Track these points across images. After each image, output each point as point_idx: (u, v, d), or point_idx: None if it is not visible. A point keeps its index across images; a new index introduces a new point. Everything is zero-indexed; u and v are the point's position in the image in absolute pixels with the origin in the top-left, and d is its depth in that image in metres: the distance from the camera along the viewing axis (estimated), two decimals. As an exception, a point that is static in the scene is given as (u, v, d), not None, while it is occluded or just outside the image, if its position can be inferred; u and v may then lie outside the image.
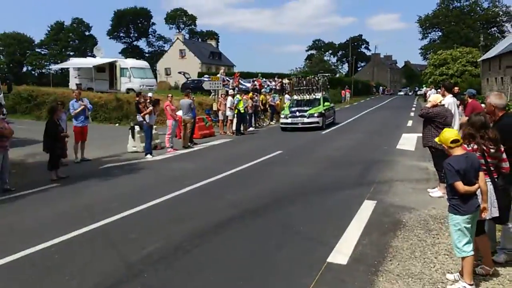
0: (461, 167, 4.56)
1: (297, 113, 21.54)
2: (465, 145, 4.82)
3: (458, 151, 4.75)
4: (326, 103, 23.15)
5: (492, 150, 4.83)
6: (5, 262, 5.49)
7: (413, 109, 39.12)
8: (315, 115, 21.38)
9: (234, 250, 5.86)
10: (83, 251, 5.84)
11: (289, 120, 21.41)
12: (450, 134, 4.82)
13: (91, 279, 4.97)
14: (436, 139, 5.07)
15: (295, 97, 24.74)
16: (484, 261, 5.04)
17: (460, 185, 4.54)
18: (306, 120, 21.18)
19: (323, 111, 22.03)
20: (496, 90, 40.38)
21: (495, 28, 78.96)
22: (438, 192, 8.67)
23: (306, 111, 21.59)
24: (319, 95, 23.72)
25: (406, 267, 5.25)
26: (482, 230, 4.99)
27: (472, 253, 4.65)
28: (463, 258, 4.69)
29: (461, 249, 4.64)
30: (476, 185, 4.60)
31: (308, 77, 27.76)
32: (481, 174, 4.67)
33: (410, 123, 25.22)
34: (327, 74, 32.98)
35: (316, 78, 26.21)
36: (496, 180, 4.91)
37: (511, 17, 71.49)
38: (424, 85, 60.46)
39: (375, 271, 5.12)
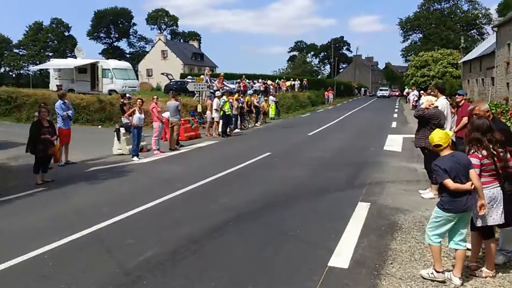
0: (447, 166, 4.69)
1: None
2: (477, 153, 4.77)
3: (445, 152, 4.87)
4: None
5: (501, 154, 4.84)
6: (-4, 270, 5.28)
7: (396, 110, 39.45)
8: None
9: (232, 256, 5.76)
10: (78, 258, 5.67)
11: None
12: (435, 137, 4.92)
13: (89, 286, 4.82)
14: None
15: None
16: (486, 264, 5.04)
17: (449, 182, 4.65)
18: None
19: None
20: (477, 91, 41.01)
21: (474, 30, 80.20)
22: (429, 193, 8.72)
23: None
24: None
25: (407, 270, 5.23)
26: (491, 234, 5.00)
27: (439, 245, 4.83)
28: (430, 245, 4.93)
29: (429, 236, 4.90)
30: (468, 183, 4.65)
31: None
32: (472, 171, 4.70)
33: (394, 124, 25.48)
34: None
35: None
36: (504, 184, 4.91)
37: (490, 20, 72.59)
38: (406, 86, 61.05)
39: (377, 274, 5.09)
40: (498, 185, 4.82)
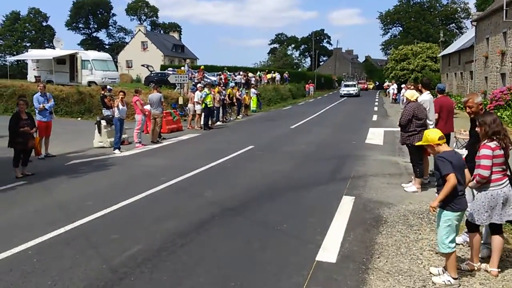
0: (453, 160, 4.63)
1: None
2: (489, 144, 4.77)
3: (445, 148, 4.81)
4: None
5: (510, 148, 4.89)
6: (-22, 267, 5.15)
7: (376, 103, 39.76)
8: None
9: (219, 251, 5.73)
10: (63, 254, 5.56)
11: None
12: (435, 133, 4.89)
13: (76, 283, 4.73)
14: (421, 142, 5.10)
15: None
16: (472, 256, 5.10)
17: (453, 177, 4.53)
18: None
19: None
20: (456, 85, 41.57)
21: (453, 24, 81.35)
22: (412, 187, 8.81)
23: None
24: None
25: (394, 264, 5.27)
26: (477, 228, 5.06)
27: (455, 250, 4.73)
28: (447, 253, 4.76)
29: (447, 245, 4.71)
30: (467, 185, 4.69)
31: None
32: (467, 172, 4.75)
33: (375, 117, 25.67)
34: None
35: None
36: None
37: (469, 14, 73.65)
38: (386, 80, 61.53)
39: (365, 269, 5.12)
40: (508, 183, 4.85)
